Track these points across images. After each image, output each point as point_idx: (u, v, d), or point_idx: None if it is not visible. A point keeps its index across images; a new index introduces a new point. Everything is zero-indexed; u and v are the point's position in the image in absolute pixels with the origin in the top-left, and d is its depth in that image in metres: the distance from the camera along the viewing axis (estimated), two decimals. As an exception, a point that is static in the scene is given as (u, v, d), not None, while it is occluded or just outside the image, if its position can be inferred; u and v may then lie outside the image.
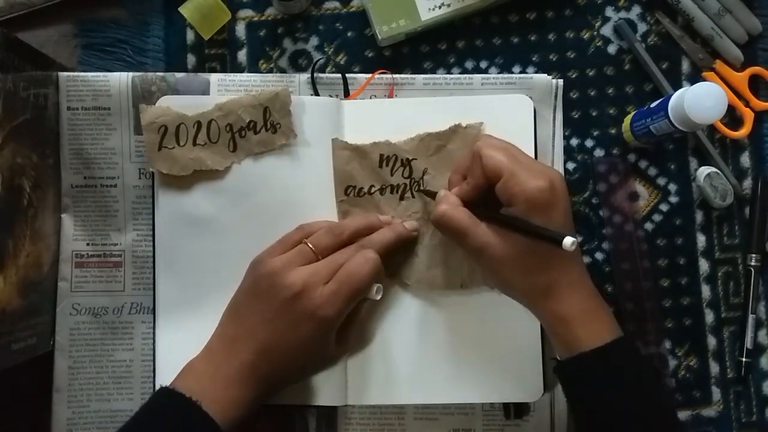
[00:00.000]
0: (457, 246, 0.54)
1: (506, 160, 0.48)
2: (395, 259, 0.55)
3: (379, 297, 0.52)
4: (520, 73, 0.61)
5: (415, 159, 0.56)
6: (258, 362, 0.50)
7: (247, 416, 0.50)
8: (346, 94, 0.59)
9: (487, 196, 0.50)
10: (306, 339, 0.50)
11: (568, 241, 0.44)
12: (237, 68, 0.61)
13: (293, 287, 0.49)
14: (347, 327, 0.53)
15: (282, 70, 0.61)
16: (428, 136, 0.56)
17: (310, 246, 0.51)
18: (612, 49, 0.61)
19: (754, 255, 0.60)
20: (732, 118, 0.61)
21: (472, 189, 0.51)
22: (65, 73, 0.57)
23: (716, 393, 0.60)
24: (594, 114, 0.61)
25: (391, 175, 0.56)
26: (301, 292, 0.49)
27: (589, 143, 0.61)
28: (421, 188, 0.56)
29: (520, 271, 0.48)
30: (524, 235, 0.47)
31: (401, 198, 0.56)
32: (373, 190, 0.56)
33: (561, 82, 0.60)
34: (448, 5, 0.59)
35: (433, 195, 0.53)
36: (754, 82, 0.61)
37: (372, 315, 0.56)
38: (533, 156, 0.56)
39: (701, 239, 0.61)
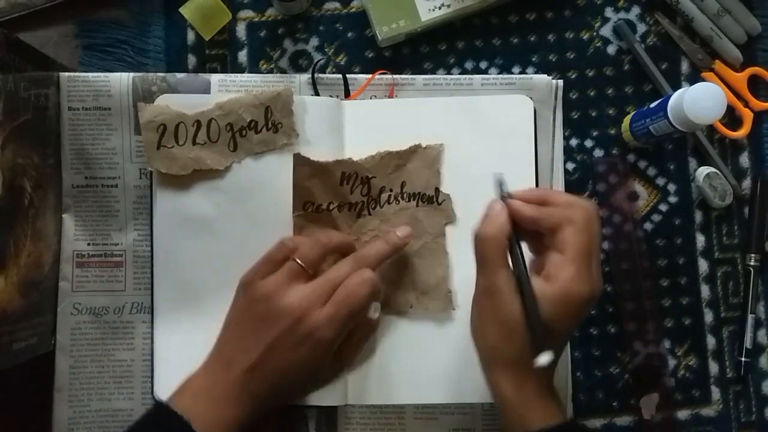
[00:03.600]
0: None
1: (581, 247, 0.44)
2: None
3: (377, 315, 0.52)
4: (520, 73, 0.61)
5: (374, 177, 0.56)
6: (253, 383, 0.49)
7: None
8: (347, 95, 0.59)
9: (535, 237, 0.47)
10: (303, 360, 0.50)
11: (542, 359, 0.42)
12: (237, 69, 0.61)
13: (290, 310, 0.49)
14: (345, 347, 0.53)
15: (282, 71, 0.61)
16: (388, 155, 0.56)
17: (299, 262, 0.50)
18: (611, 49, 0.62)
19: (753, 255, 0.60)
20: (731, 118, 0.61)
21: (526, 218, 0.46)
22: (66, 74, 0.57)
23: (716, 392, 0.60)
24: (593, 114, 0.61)
25: (351, 193, 0.56)
26: (299, 316, 0.49)
27: (588, 143, 0.61)
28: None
29: (498, 329, 0.45)
30: (522, 309, 0.44)
31: (358, 216, 0.56)
32: (331, 207, 0.56)
33: (561, 82, 0.60)
34: (448, 6, 0.59)
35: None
36: (754, 82, 0.61)
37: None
38: (533, 156, 0.57)
39: (700, 239, 0.61)
